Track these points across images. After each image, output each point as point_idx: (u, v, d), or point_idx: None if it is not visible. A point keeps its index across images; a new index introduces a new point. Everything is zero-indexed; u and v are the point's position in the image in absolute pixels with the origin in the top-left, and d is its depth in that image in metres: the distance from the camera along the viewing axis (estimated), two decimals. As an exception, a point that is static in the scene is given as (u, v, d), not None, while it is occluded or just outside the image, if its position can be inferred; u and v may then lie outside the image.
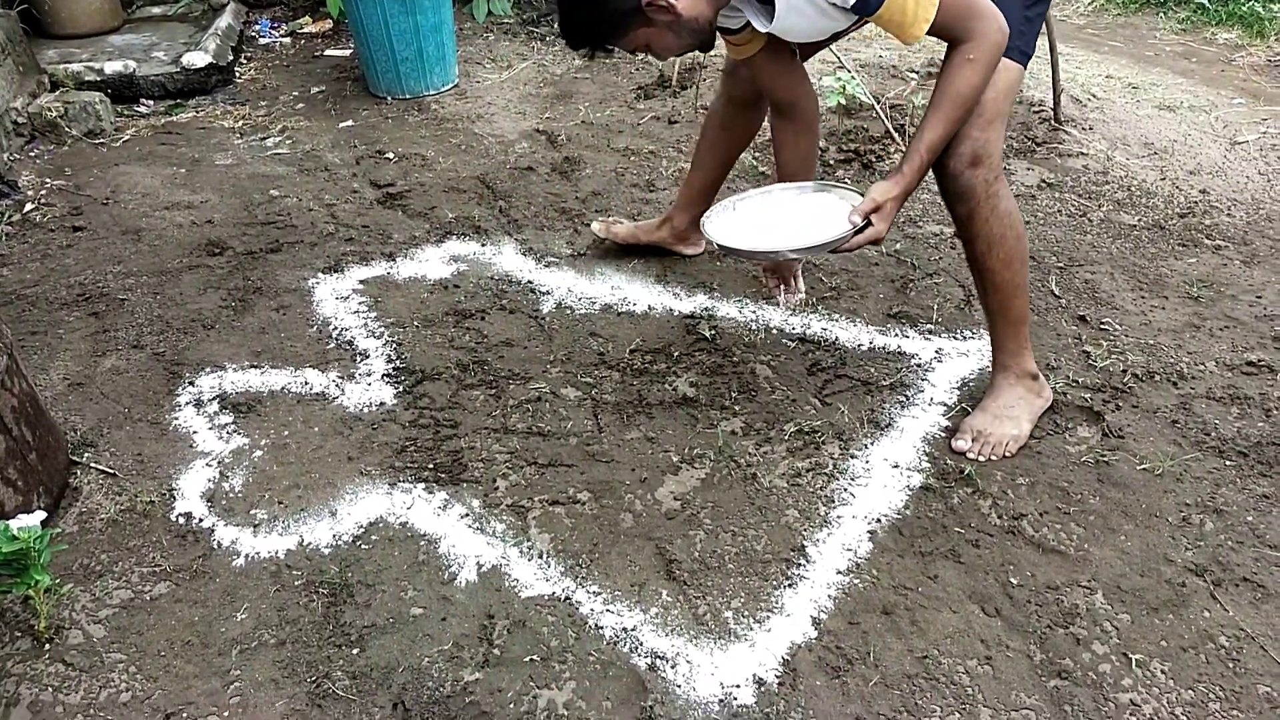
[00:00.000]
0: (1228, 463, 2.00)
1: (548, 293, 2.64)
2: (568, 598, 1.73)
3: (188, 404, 2.25)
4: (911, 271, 2.71)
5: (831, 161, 3.24)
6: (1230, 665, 1.58)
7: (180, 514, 1.94)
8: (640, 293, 2.63)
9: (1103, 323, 2.47)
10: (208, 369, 2.36)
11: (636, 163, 3.37)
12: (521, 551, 1.84)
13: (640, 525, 1.89)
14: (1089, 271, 2.69)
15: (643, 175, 3.27)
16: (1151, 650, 1.61)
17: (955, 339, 2.43)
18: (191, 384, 2.31)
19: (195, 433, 2.16)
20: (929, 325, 2.48)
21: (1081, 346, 2.38)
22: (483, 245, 2.88)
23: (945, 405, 2.19)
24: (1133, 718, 1.50)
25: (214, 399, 2.26)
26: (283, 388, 2.30)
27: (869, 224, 1.82)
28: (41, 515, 1.67)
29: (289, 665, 1.63)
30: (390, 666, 1.61)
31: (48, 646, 1.65)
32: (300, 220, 3.03)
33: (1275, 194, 3.10)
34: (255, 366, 2.37)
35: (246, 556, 1.84)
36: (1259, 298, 2.57)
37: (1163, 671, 1.57)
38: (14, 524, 1.59)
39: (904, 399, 2.21)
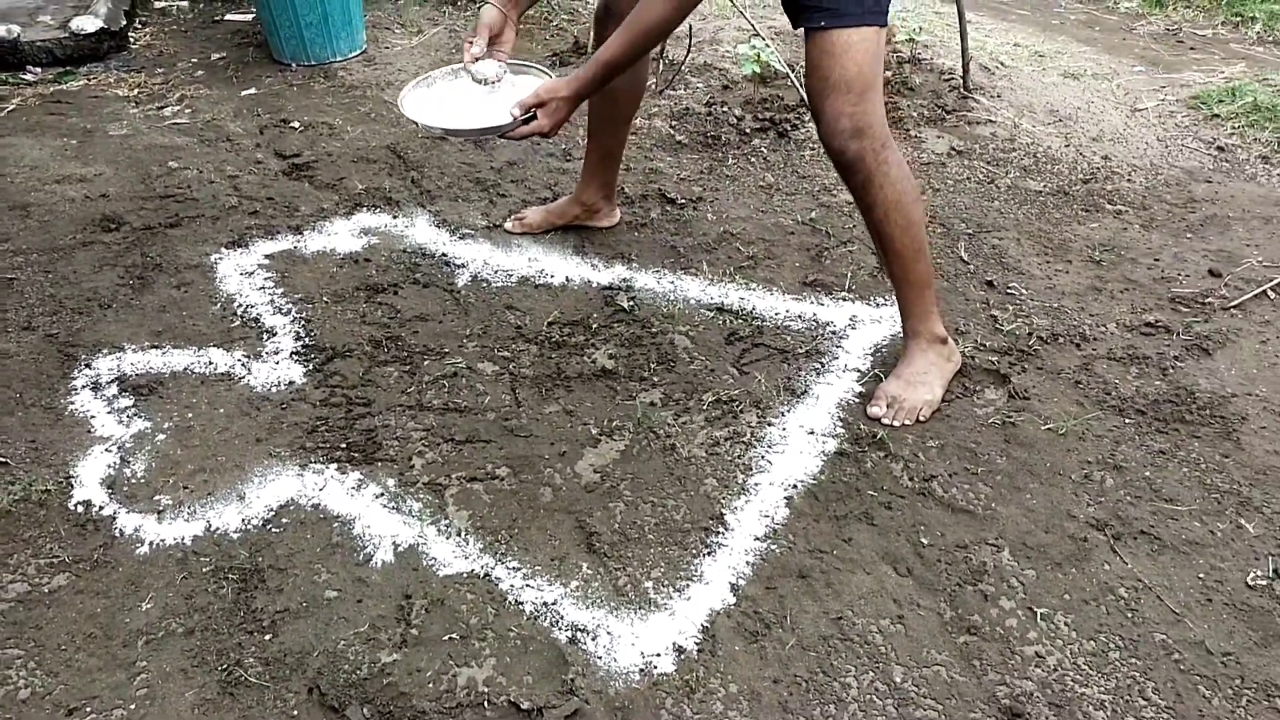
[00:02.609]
0: (1127, 421, 2.08)
1: (463, 266, 2.59)
2: (487, 574, 1.72)
3: (84, 387, 2.16)
4: (826, 240, 2.73)
5: (748, 130, 3.25)
6: (1129, 615, 1.65)
7: (79, 502, 1.86)
8: (558, 264, 2.60)
9: (1009, 287, 2.53)
10: (105, 350, 2.26)
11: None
12: (439, 530, 1.81)
13: (560, 499, 1.88)
14: (996, 237, 2.76)
15: (559, 144, 3.22)
16: (1055, 604, 1.67)
17: (869, 305, 2.46)
18: (88, 366, 2.21)
19: (93, 417, 2.07)
20: (843, 293, 2.51)
21: (989, 311, 2.44)
22: (394, 217, 2.81)
23: (859, 371, 2.22)
24: (1038, 669, 1.56)
25: (112, 381, 2.17)
26: (185, 368, 2.21)
27: (534, 117, 1.89)
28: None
29: (198, 654, 1.58)
30: (304, 651, 1.58)
31: (-64, 646, 1.57)
32: (201, 193, 2.92)
33: (1172, 159, 3.22)
34: (156, 347, 2.28)
35: (151, 544, 1.78)
36: (1156, 260, 2.66)
37: (1066, 624, 1.63)
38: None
39: (819, 366, 2.24)
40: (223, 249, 2.65)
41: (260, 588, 1.69)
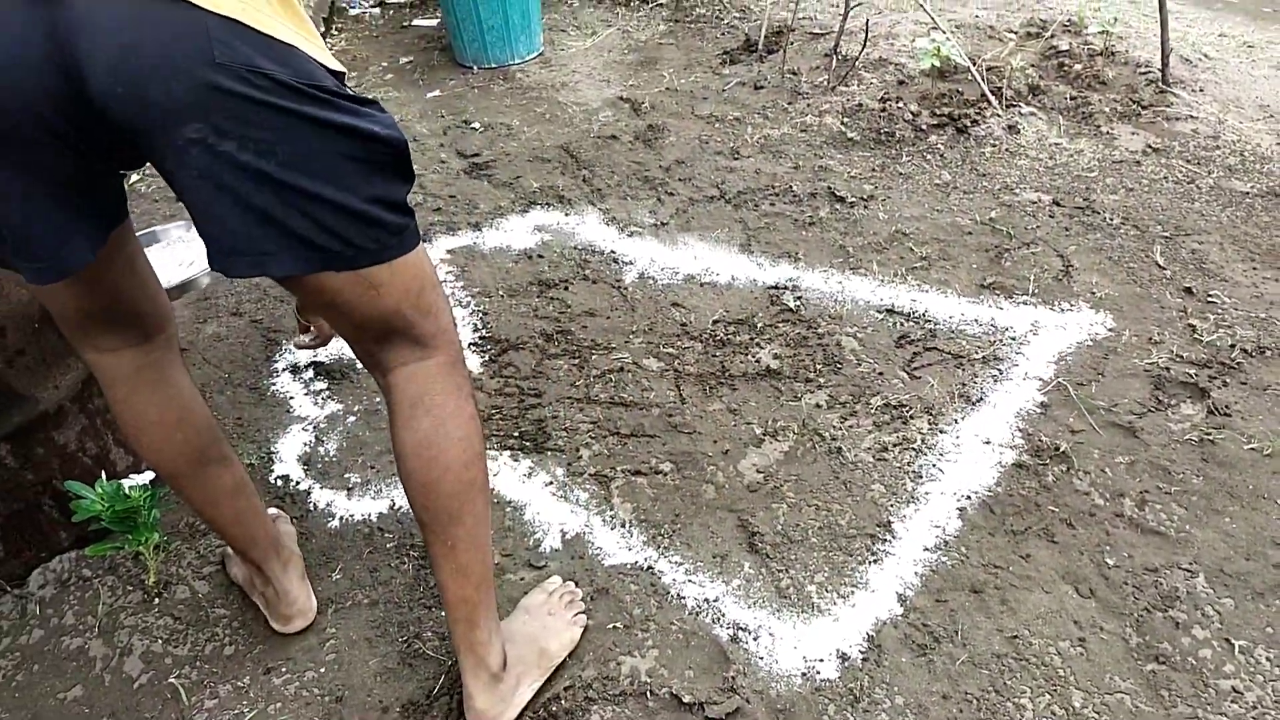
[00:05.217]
0: (1346, 444, 1.89)
1: (630, 263, 2.63)
2: (650, 567, 1.75)
3: (284, 370, 2.33)
4: (1006, 241, 2.62)
5: (924, 126, 3.15)
6: (1344, 657, 1.50)
7: (279, 476, 2.01)
8: (723, 262, 2.61)
9: (1210, 295, 2.35)
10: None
11: (721, 130, 3.32)
12: (604, 520, 1.85)
13: (722, 497, 1.88)
14: (1196, 241, 2.56)
15: (727, 143, 3.23)
16: (1256, 636, 1.54)
17: (1052, 310, 2.34)
18: (288, 351, 2.38)
19: (292, 398, 2.23)
20: (1025, 297, 2.40)
21: (1187, 320, 2.27)
22: (566, 215, 2.89)
23: (1041, 380, 2.12)
24: (1234, 704, 1.44)
25: (309, 365, 2.33)
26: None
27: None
28: (150, 475, 1.75)
29: (381, 625, 1.68)
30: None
31: (157, 600, 1.74)
32: (389, 190, 3.08)
33: (1407, 157, 2.90)
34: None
35: (341, 519, 1.90)
36: (1386, 269, 2.41)
37: (1268, 659, 1.50)
38: (126, 483, 1.67)
39: (997, 373, 2.15)
40: (407, 243, 2.79)
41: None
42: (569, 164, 3.19)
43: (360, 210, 1.12)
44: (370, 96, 1.30)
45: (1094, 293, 2.38)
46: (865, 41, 3.44)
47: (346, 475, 2.01)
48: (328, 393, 2.24)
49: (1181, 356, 2.15)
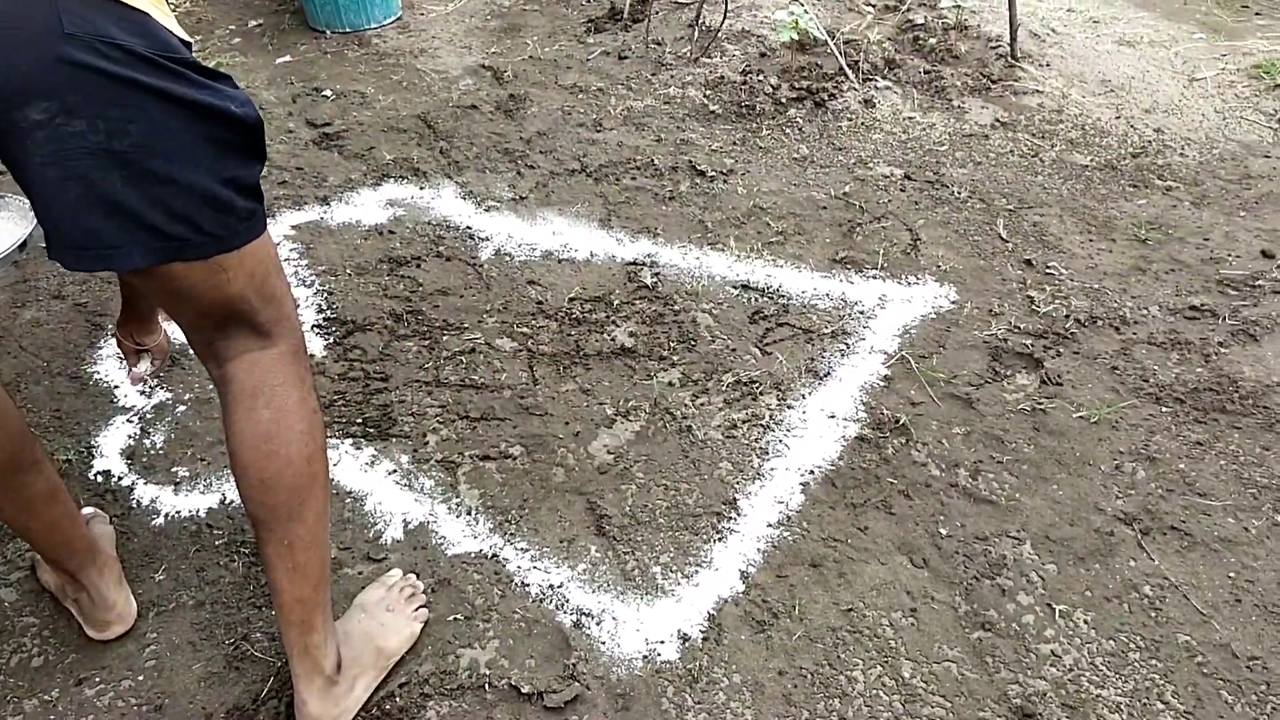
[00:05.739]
0: (1164, 409, 1.99)
1: (487, 239, 2.56)
2: (495, 555, 1.71)
3: (109, 357, 2.18)
4: (859, 215, 2.65)
5: (784, 100, 3.16)
6: (1152, 615, 1.58)
7: (99, 472, 1.89)
8: (582, 238, 2.56)
9: (1049, 266, 2.44)
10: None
11: (584, 101, 3.27)
12: (450, 508, 1.80)
13: (572, 480, 1.86)
14: (1038, 214, 2.66)
15: (590, 114, 3.17)
16: (1075, 600, 1.61)
17: (900, 284, 2.39)
18: (113, 337, 2.23)
19: (116, 387, 2.10)
20: (874, 270, 2.44)
21: (1026, 291, 2.35)
22: (421, 188, 2.79)
23: (885, 353, 2.16)
24: (1053, 668, 1.51)
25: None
26: (209, 339, 2.22)
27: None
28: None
29: (207, 627, 1.60)
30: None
31: (-45, 612, 1.61)
32: (232, 162, 2.92)
33: (1229, 133, 3.07)
34: (181, 317, 2.29)
35: (166, 516, 1.80)
36: (1206, 240, 2.54)
37: (1085, 621, 1.58)
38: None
39: (844, 347, 2.18)
40: (250, 219, 2.65)
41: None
42: (425, 135, 3.08)
43: (214, 194, 1.07)
44: (215, 63, 1.20)
45: (940, 266, 2.44)
46: (725, 13, 3.43)
47: (174, 469, 1.89)
48: (155, 380, 2.11)
49: (1019, 328, 2.22)
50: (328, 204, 2.73)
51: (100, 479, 1.88)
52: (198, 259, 1.10)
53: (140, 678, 1.52)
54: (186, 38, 1.10)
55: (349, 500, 1.82)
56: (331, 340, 2.22)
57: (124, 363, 2.06)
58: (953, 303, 2.32)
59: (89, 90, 0.95)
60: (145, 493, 1.84)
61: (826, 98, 3.14)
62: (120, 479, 1.87)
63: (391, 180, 2.83)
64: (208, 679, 1.52)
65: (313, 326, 2.26)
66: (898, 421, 1.96)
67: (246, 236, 1.15)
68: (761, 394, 2.04)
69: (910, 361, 2.12)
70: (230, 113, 1.07)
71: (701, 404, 2.02)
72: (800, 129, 3.06)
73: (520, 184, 2.81)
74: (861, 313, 2.29)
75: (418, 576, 1.66)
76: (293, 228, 2.62)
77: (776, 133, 3.05)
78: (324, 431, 1.34)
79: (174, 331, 2.17)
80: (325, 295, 2.36)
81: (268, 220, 1.22)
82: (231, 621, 1.61)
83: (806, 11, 3.26)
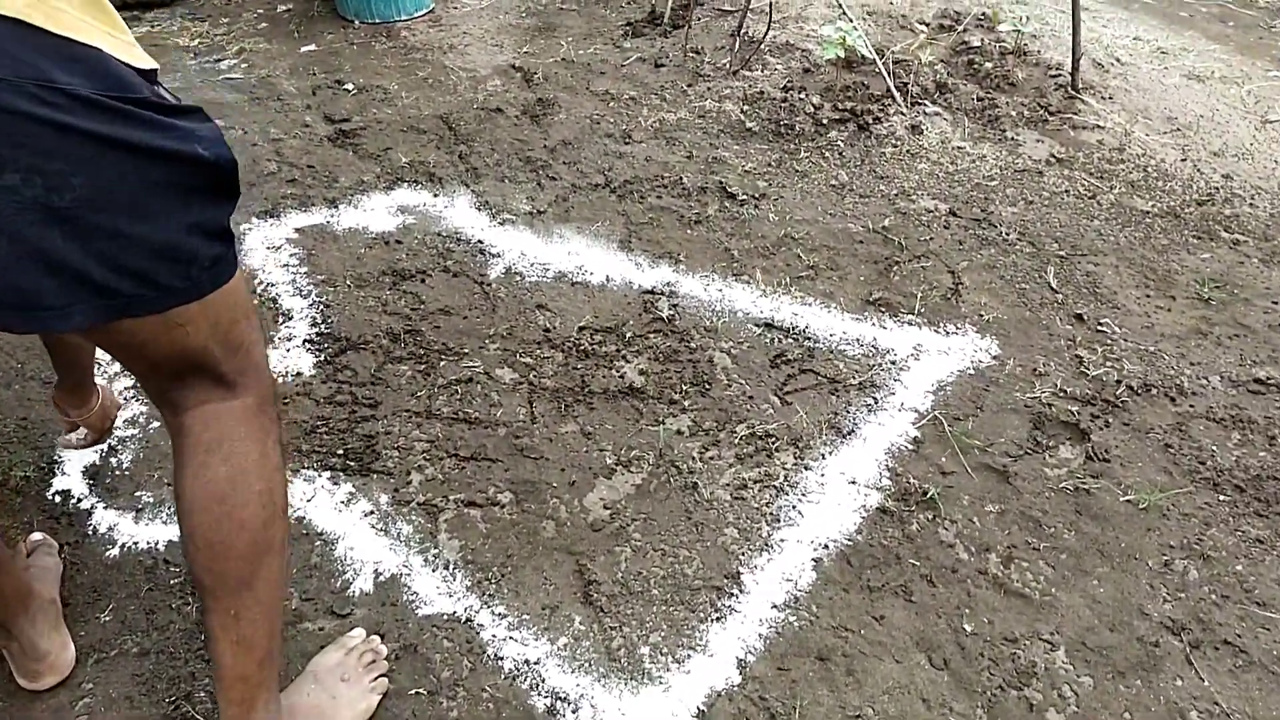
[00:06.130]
0: (1221, 498, 1.80)
1: (498, 255, 2.41)
2: (469, 619, 1.56)
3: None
4: (898, 252, 2.47)
5: (825, 120, 2.98)
6: (1200, 746, 1.40)
7: (57, 491, 1.76)
8: (599, 260, 2.40)
9: (1101, 323, 2.24)
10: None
11: (615, 109, 3.10)
12: (426, 560, 1.65)
13: (562, 536, 1.70)
14: (1092, 262, 2.45)
15: (620, 124, 3.01)
16: (1113, 722, 1.43)
17: (937, 333, 2.20)
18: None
19: (89, 397, 1.96)
20: (910, 315, 2.25)
21: (1075, 349, 2.16)
22: (435, 196, 2.64)
23: (917, 412, 1.98)
24: (1084, 804, 1.33)
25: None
26: (194, 349, 2.09)
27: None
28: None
29: (149, 680, 1.46)
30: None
31: (-120, 646, 1.48)
32: (243, 155, 2.79)
33: (1305, 184, 2.84)
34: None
35: (122, 546, 1.66)
36: (1275, 303, 2.33)
37: (1123, 749, 1.39)
38: None
39: (872, 401, 2.00)
40: (254, 218, 2.52)
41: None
42: (446, 137, 2.93)
43: (173, 245, 0.95)
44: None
45: (982, 314, 2.25)
46: (769, 24, 3.24)
47: (138, 493, 1.76)
48: (132, 392, 1.98)
49: (1065, 391, 2.03)
50: (336, 207, 2.59)
51: (58, 499, 1.75)
52: (150, 314, 0.98)
53: (69, 735, 1.38)
54: (149, 64, 0.96)
55: (319, 543, 1.68)
56: (322, 358, 2.07)
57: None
58: (994, 358, 2.13)
59: (24, 140, 0.83)
60: (103, 519, 1.71)
61: (871, 121, 2.95)
62: (79, 501, 1.74)
63: (405, 185, 2.69)
64: (142, 742, 1.38)
65: (304, 341, 2.12)
66: (925, 493, 1.78)
67: (210, 285, 1.02)
68: (777, 450, 1.87)
69: (943, 423, 1.94)
70: (195, 156, 0.95)
71: (711, 458, 1.85)
72: (841, 153, 2.88)
73: (540, 197, 2.65)
74: (893, 363, 2.11)
75: (382, 639, 1.51)
76: (297, 230, 2.49)
77: (815, 156, 2.87)
78: (285, 491, 1.20)
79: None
80: (321, 308, 2.21)
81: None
82: (175, 675, 1.47)
83: (855, 28, 3.07)
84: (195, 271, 0.99)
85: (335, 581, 1.61)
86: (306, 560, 1.65)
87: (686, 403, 1.98)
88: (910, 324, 2.23)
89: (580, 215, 2.58)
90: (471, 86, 3.25)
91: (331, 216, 2.55)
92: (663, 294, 2.29)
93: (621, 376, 2.04)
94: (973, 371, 2.09)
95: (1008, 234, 2.54)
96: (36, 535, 1.62)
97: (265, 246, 2.42)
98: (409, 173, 2.74)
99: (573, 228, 2.53)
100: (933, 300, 2.31)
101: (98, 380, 1.73)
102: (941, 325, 2.23)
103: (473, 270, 2.36)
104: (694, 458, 1.85)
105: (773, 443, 1.89)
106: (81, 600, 1.57)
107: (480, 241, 2.46)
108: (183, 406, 1.12)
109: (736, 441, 1.89)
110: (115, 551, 1.66)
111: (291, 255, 2.39)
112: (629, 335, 2.15)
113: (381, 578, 1.62)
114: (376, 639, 1.50)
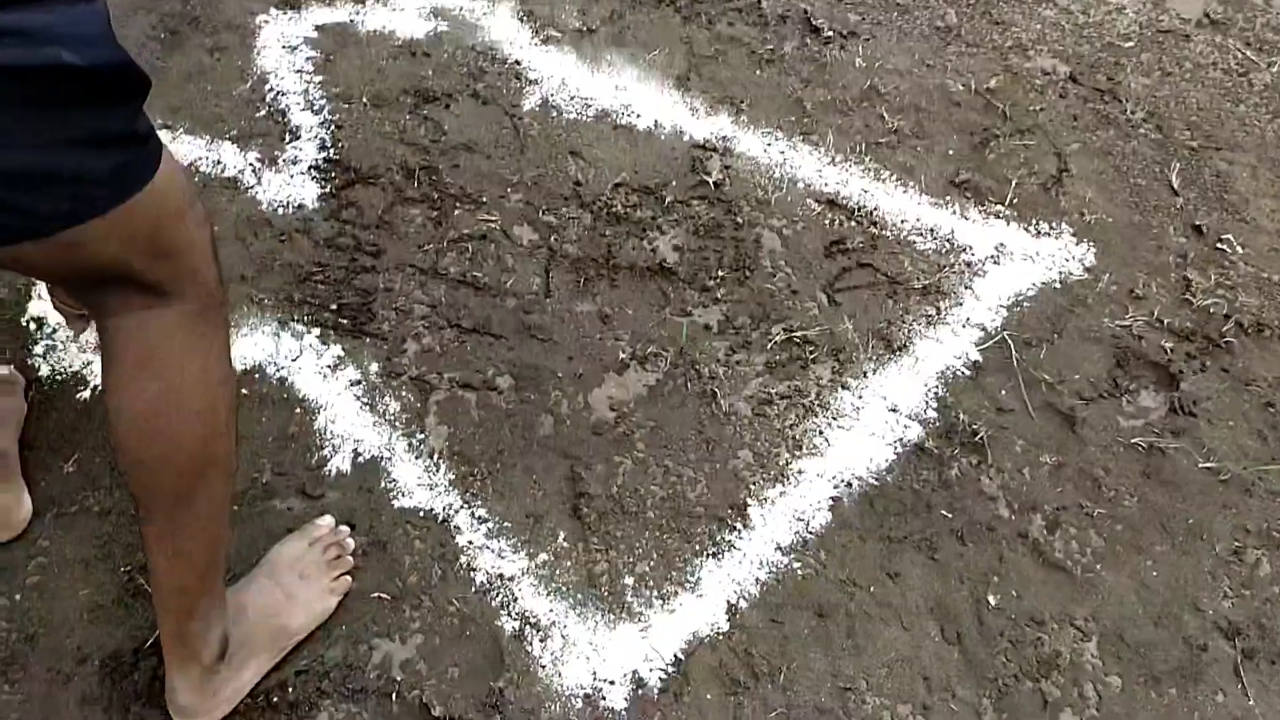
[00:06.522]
0: (1320, 477, 1.56)
1: (535, 82, 2.12)
2: (446, 519, 1.44)
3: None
4: (999, 123, 2.11)
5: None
6: (1229, 775, 1.25)
7: (31, 318, 1.64)
8: (649, 101, 2.10)
9: (1221, 239, 1.91)
10: (112, 122, 1.95)
11: (697, -95, 2.65)
12: (410, 445, 1.52)
13: (560, 436, 1.54)
14: (1226, 159, 2.08)
15: (700, -75, 2.58)
16: (1135, 734, 1.28)
17: (1027, 231, 1.91)
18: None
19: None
20: (998, 206, 1.95)
21: (1185, 269, 1.85)
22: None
23: (982, 330, 1.73)
24: (1082, 822, 1.20)
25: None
26: (191, 163, 1.90)
27: None
28: None
29: (106, 544, 1.39)
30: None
31: None
32: (268, -73, 2.46)
33: None
34: (166, 127, 1.96)
35: (95, 389, 1.55)
36: None
37: (1140, 766, 1.25)
38: None
39: (933, 312, 1.75)
40: (272, 9, 2.24)
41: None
42: (498, -76, 2.55)
43: (48, 169, 0.77)
44: None
45: (1083, 213, 1.94)
46: None
47: (115, 331, 1.63)
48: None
49: (1161, 321, 1.76)
50: (363, 2, 2.28)
51: (32, 325, 1.63)
52: (33, 240, 0.81)
53: (18, 597, 1.33)
54: None
55: (299, 411, 1.55)
56: (328, 189, 1.87)
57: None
58: (1087, 270, 1.84)
59: None
60: (75, 360, 1.59)
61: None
62: (54, 331, 1.62)
63: (443, -18, 2.35)
64: (92, 611, 1.32)
65: (310, 167, 1.91)
66: (974, 433, 1.57)
67: (113, 199, 0.83)
68: (814, 361, 1.66)
69: (1011, 347, 1.69)
70: (59, 64, 0.74)
71: (737, 362, 1.65)
72: (954, -12, 2.44)
73: (593, 10, 2.31)
74: (968, 265, 1.84)
75: (352, 530, 1.40)
76: (316, 28, 2.21)
77: (923, -12, 2.44)
78: (232, 404, 1.05)
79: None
80: (333, 128, 1.98)
81: (159, 151, 0.88)
82: (133, 542, 1.38)
83: None
84: (86, 190, 0.81)
85: (311, 457, 1.50)
86: (284, 429, 1.52)
87: (721, 291, 1.75)
88: (997, 217, 1.93)
89: (636, 38, 2.25)
90: None
91: (356, 14, 2.25)
92: (715, 150, 2.00)
93: (653, 250, 1.81)
94: (1058, 285, 1.81)
95: (1133, 112, 2.15)
96: (2, 369, 1.51)
97: (280, 45, 2.16)
98: (450, -33, 2.39)
99: (625, 54, 2.21)
100: (1029, 189, 1.98)
101: None
102: (1033, 222, 1.92)
103: (505, 98, 2.08)
104: (718, 360, 1.65)
105: (810, 351, 1.67)
106: (46, 446, 1.48)
107: (518, 63, 2.16)
108: (106, 311, 0.96)
109: (770, 345, 1.67)
110: (87, 394, 1.55)
111: (307, 59, 2.13)
112: (669, 200, 1.90)
113: (361, 459, 1.50)
114: (345, 530, 1.39)
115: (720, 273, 1.77)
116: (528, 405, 1.57)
